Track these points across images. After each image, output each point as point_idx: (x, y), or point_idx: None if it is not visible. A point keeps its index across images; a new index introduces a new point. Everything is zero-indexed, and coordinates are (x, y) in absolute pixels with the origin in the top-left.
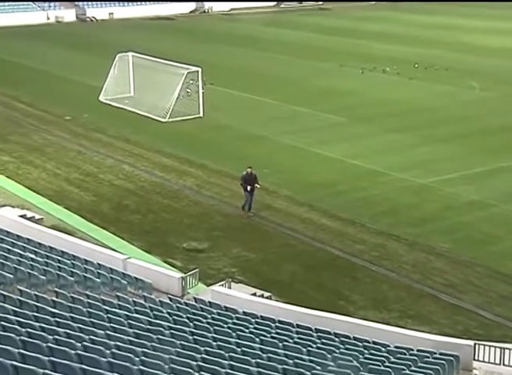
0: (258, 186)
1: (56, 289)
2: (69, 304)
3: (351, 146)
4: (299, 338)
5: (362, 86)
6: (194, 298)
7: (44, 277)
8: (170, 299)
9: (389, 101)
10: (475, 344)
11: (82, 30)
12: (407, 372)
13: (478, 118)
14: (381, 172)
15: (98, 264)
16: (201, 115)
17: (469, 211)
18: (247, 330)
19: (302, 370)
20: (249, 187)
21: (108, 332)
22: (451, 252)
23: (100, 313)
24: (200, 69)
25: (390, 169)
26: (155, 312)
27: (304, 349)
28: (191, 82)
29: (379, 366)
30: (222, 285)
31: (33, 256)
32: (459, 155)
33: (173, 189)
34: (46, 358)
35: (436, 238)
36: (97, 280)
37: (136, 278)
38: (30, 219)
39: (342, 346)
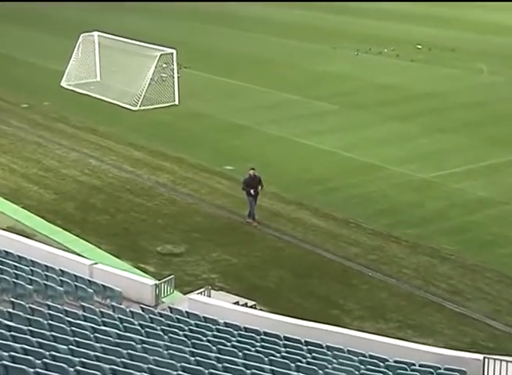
0: (261, 188)
1: (12, 299)
2: (28, 316)
3: (345, 137)
4: (287, 352)
5: (357, 69)
6: (169, 308)
7: None
8: (142, 309)
9: (387, 86)
10: (485, 358)
11: (40, 6)
12: None
13: (486, 104)
14: (378, 166)
15: (61, 271)
16: (177, 102)
17: (477, 209)
18: (228, 344)
19: None
20: (252, 191)
21: (71, 347)
22: (457, 255)
23: (62, 326)
24: (174, 51)
25: (389, 163)
26: (125, 324)
27: (293, 364)
28: (165, 65)
29: None
30: (201, 293)
31: None
32: (465, 146)
33: (145, 186)
34: None
35: (440, 240)
36: (60, 288)
37: (103, 286)
38: None
39: (335, 361)
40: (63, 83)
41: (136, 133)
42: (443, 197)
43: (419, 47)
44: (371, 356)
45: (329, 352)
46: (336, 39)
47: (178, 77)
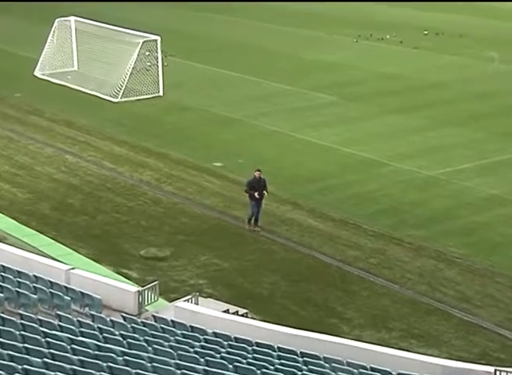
0: (266, 194)
1: None
2: None
3: (344, 131)
4: (281, 364)
5: (357, 58)
6: (154, 317)
7: None
8: (124, 318)
9: (389, 75)
10: (496, 370)
11: None
12: None
13: (497, 95)
14: (380, 162)
15: (35, 276)
16: (161, 93)
17: (487, 208)
18: (217, 355)
19: None
20: (257, 194)
21: (46, 360)
22: (465, 259)
23: (36, 337)
24: (159, 38)
25: (391, 159)
26: (106, 335)
27: None
28: (147, 53)
29: None
30: (188, 300)
31: None
32: (474, 140)
33: (127, 184)
34: None
35: (447, 242)
36: (34, 296)
37: (82, 293)
38: None
39: (333, 373)
40: (37, 73)
41: (117, 127)
42: (450, 195)
43: (426, 33)
44: (372, 368)
45: (327, 364)
46: (333, 25)
47: (163, 66)
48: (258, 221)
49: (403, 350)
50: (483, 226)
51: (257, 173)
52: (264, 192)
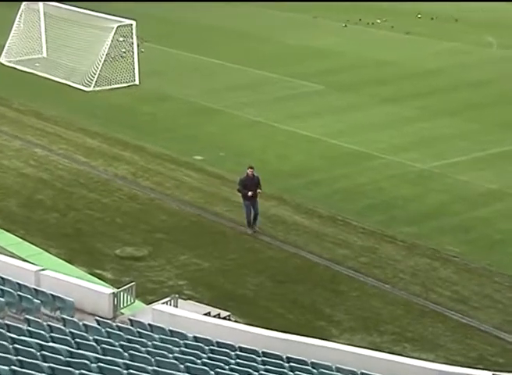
0: (260, 191)
1: None
2: None
3: (331, 121)
4: (266, 370)
5: (345, 44)
6: (130, 320)
7: None
8: (98, 322)
9: (380, 63)
10: None
11: None
12: None
13: (496, 83)
14: (370, 154)
15: (2, 278)
16: (137, 82)
17: (484, 203)
18: (198, 361)
19: None
20: (250, 193)
21: (14, 368)
22: (461, 257)
23: (3, 343)
24: (134, 23)
25: (382, 151)
26: (78, 340)
27: None
28: (121, 39)
29: None
30: (167, 303)
31: None
32: (471, 131)
33: (101, 179)
34: None
35: (442, 239)
36: (1, 299)
37: (52, 296)
38: None
39: None
40: (2, 60)
41: (90, 118)
42: (446, 190)
43: (419, 16)
44: (362, 374)
45: (315, 370)
46: (320, 8)
47: (138, 53)
48: (257, 220)
49: (396, 354)
50: (481, 223)
51: (249, 171)
52: (259, 190)
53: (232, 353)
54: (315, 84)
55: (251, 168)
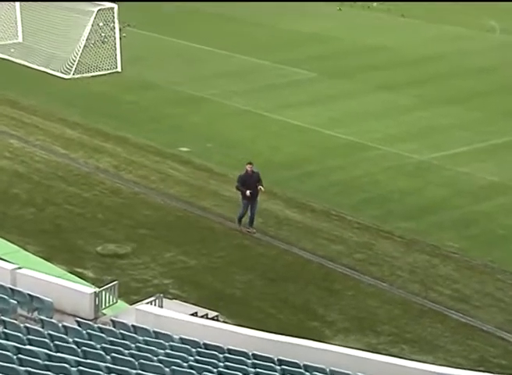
0: (263, 188)
1: None
2: None
3: (324, 110)
4: (256, 373)
5: (339, 28)
6: (112, 322)
7: None
8: (79, 324)
9: (376, 48)
10: None
11: None
12: None
13: (497, 70)
14: (365, 145)
15: None
16: (119, 69)
17: (486, 197)
18: (185, 364)
19: None
20: (248, 192)
21: None
22: (462, 254)
23: None
24: (116, 6)
25: (378, 142)
26: (57, 343)
27: None
28: (101, 24)
29: None
30: (151, 303)
31: None
32: (472, 120)
33: (82, 172)
34: None
35: (442, 235)
36: None
37: (30, 296)
38: None
39: None
40: None
41: (69, 108)
42: (445, 183)
43: None
44: None
45: (308, 373)
46: None
47: (120, 38)
48: (253, 222)
49: (394, 356)
50: (482, 217)
51: (248, 167)
52: (261, 187)
53: (221, 355)
54: (307, 71)
55: (250, 164)
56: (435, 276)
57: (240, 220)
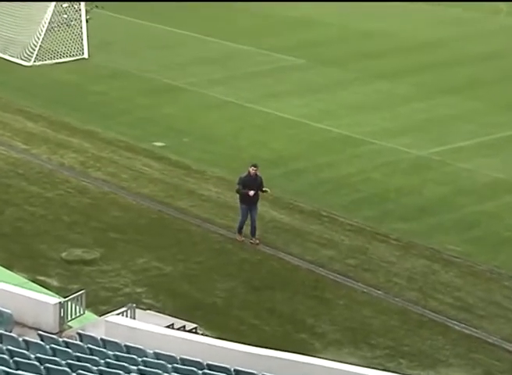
0: (269, 190)
1: None
2: None
3: (314, 101)
4: None
5: (330, 12)
6: (79, 335)
7: None
8: (41, 338)
9: (371, 33)
10: None
11: None
12: None
13: (503, 57)
14: (359, 139)
15: None
16: (86, 55)
17: (491, 196)
18: None
19: None
20: (252, 192)
21: None
22: (465, 258)
23: None
24: None
25: (373, 136)
26: (17, 359)
27: None
28: (66, 5)
29: None
30: (123, 314)
31: None
32: (475, 112)
33: (45, 169)
34: None
35: (443, 238)
36: None
37: None
38: None
39: None
40: None
41: (30, 98)
42: (446, 180)
43: None
44: None
45: None
46: None
47: (87, 21)
48: (256, 230)
49: (390, 371)
50: (486, 218)
51: (252, 169)
52: (267, 189)
53: (200, 372)
54: (295, 58)
55: (255, 166)
56: (436, 283)
57: (240, 230)
